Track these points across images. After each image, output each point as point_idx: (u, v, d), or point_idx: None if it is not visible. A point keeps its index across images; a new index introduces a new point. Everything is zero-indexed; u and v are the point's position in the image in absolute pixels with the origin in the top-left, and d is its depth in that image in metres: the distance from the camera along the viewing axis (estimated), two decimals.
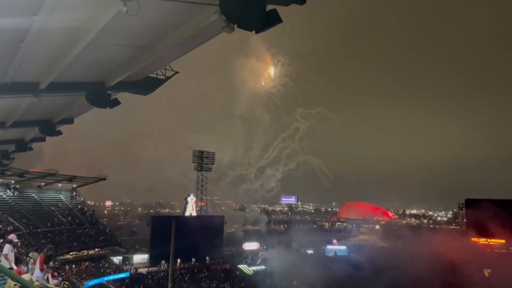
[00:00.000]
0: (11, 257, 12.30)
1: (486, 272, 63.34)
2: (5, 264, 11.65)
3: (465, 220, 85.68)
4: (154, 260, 65.21)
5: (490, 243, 72.51)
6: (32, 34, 8.65)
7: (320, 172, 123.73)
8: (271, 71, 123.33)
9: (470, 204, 77.16)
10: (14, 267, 11.92)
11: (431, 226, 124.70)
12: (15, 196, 65.35)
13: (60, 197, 73.39)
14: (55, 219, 65.55)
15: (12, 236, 14.73)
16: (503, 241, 71.11)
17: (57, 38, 9.47)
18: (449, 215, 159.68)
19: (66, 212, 69.75)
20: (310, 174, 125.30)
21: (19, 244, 14.15)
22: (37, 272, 10.78)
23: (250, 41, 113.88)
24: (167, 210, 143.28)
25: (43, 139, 22.73)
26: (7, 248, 12.59)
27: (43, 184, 69.81)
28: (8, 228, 53.38)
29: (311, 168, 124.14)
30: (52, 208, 68.68)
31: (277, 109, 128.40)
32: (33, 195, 69.10)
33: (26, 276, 7.90)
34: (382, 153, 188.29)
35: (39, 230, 58.99)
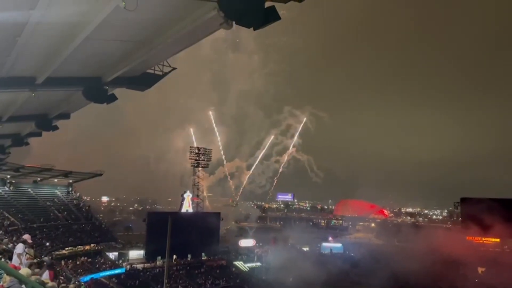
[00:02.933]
0: (23, 258, 12.27)
1: (480, 270, 63.82)
2: (16, 263, 11.64)
3: (460, 218, 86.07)
4: (149, 256, 65.24)
5: (485, 241, 72.91)
6: (29, 28, 8.61)
7: (310, 170, 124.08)
8: (263, 68, 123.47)
9: (466, 202, 77.48)
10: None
11: (427, 224, 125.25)
12: (11, 191, 65.18)
13: (56, 192, 73.22)
14: (51, 214, 65.44)
15: (27, 236, 14.69)
16: (498, 239, 71.55)
17: (54, 32, 9.43)
18: (445, 214, 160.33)
19: (62, 207, 69.61)
20: (306, 172, 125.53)
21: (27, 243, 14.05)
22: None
23: (242, 37, 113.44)
24: (162, 206, 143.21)
25: (40, 134, 22.68)
26: (21, 247, 12.55)
27: (39, 179, 69.64)
28: (5, 223, 53.28)
29: (307, 165, 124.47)
30: (48, 203, 68.53)
31: (270, 107, 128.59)
32: (29, 190, 68.91)
33: (23, 271, 7.87)
34: (378, 152, 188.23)
35: (35, 225, 58.84)
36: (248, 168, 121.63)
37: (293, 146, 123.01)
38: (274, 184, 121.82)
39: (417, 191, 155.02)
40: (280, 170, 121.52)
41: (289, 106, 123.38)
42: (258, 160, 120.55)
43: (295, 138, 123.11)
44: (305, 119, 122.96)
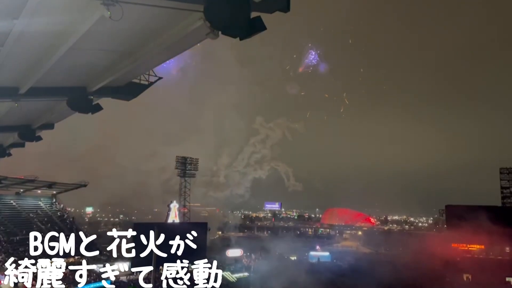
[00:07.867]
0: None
1: (466, 277, 64.34)
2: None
3: (445, 225, 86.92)
4: (135, 268, 64.30)
5: (470, 248, 73.63)
6: (12, 38, 8.51)
7: (287, 179, 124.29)
8: (240, 78, 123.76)
9: (450, 210, 78.34)
10: None
11: (413, 231, 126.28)
12: None
13: (40, 204, 71.81)
14: (34, 226, 64.05)
15: None
16: (483, 246, 72.33)
17: (38, 42, 9.33)
18: (430, 221, 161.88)
19: (46, 219, 68.21)
20: (288, 181, 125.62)
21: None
22: None
23: (219, 47, 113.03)
24: (149, 217, 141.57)
25: (23, 145, 22.32)
26: None
27: (21, 190, 68.29)
28: None
29: (284, 175, 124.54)
30: (31, 215, 67.15)
31: (249, 117, 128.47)
32: (11, 201, 67.48)
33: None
34: (362, 160, 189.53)
35: (17, 237, 57.58)
36: (232, 177, 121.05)
37: (273, 155, 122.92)
38: (255, 193, 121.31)
39: (403, 199, 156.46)
40: (268, 180, 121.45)
41: (267, 116, 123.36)
42: (239, 169, 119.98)
43: (274, 147, 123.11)
44: (284, 129, 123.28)
